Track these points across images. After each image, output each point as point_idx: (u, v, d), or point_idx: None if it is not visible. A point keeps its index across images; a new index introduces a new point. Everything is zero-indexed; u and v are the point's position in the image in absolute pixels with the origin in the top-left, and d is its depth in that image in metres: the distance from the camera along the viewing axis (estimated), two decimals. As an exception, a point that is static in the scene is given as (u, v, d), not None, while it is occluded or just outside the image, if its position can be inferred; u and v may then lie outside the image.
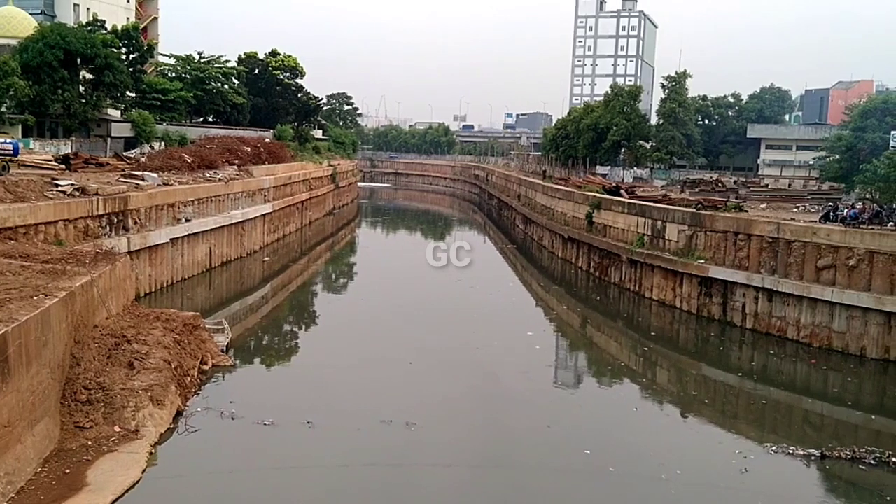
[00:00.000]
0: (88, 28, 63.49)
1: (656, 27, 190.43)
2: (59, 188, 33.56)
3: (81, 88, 56.56)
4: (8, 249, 25.71)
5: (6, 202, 29.21)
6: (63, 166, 41.17)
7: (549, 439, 23.37)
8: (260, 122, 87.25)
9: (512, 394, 28.15)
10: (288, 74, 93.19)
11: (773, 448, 22.85)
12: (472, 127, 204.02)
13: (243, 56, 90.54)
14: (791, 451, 22.54)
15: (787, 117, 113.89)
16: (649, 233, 44.24)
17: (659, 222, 43.43)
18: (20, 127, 50.65)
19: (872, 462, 21.75)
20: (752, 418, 27.66)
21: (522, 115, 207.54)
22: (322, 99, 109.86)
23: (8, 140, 36.99)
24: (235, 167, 55.33)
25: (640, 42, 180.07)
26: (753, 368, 32.71)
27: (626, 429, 25.13)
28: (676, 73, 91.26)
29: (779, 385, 30.86)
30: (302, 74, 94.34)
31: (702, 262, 39.05)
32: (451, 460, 21.80)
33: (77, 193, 33.67)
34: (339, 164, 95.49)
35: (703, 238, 39.76)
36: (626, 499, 19.89)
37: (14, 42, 55.60)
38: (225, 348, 29.53)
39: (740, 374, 31.68)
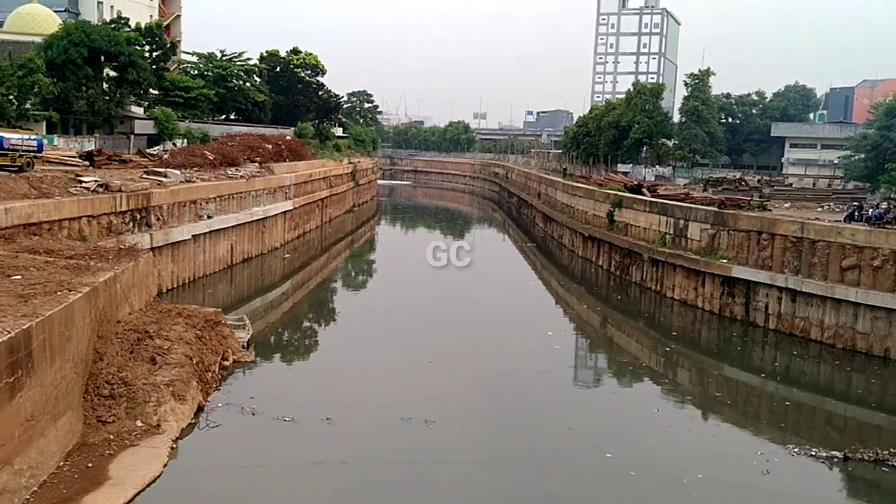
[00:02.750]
0: (112, 26, 64.03)
1: (679, 24, 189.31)
2: (83, 185, 33.83)
3: (105, 86, 57.03)
4: (32, 245, 25.96)
5: (31, 198, 29.49)
6: (87, 163, 41.55)
7: (569, 441, 23.21)
8: (281, 119, 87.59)
9: (532, 393, 28.06)
10: (309, 72, 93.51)
11: (796, 449, 22.64)
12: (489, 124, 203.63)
13: (265, 54, 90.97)
14: (814, 453, 22.32)
15: (811, 116, 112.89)
16: (671, 232, 43.95)
17: (681, 221, 43.14)
18: (45, 124, 51.11)
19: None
20: (774, 419, 27.40)
21: (543, 112, 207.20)
22: (343, 97, 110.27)
23: (32, 137, 37.32)
24: (257, 164, 55.57)
25: (663, 39, 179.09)
26: (776, 369, 32.42)
27: (648, 430, 24.94)
28: (699, 70, 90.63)
29: (802, 386, 30.58)
30: (323, 72, 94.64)
31: (724, 261, 38.74)
32: (470, 459, 21.75)
33: (101, 190, 33.92)
34: (358, 162, 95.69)
35: (725, 237, 39.44)
36: (647, 503, 19.74)
37: (39, 39, 56.11)
38: (246, 344, 29.66)
39: (763, 375, 31.41)
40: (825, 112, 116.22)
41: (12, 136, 35.03)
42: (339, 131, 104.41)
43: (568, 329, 41.07)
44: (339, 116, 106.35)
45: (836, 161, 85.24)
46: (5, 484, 15.25)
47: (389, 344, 33.56)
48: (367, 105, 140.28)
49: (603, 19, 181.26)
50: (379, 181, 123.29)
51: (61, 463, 17.53)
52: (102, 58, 55.26)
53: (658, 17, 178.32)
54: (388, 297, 44.82)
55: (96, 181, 34.57)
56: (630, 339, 39.55)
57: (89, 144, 51.48)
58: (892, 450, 22.18)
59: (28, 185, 30.86)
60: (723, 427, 26.31)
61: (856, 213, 38.44)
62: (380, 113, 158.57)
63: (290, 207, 58.61)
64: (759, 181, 66.59)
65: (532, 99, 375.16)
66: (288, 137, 73.95)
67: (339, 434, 22.32)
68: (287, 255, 54.64)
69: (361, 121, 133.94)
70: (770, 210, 41.95)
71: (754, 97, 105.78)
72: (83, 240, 30.26)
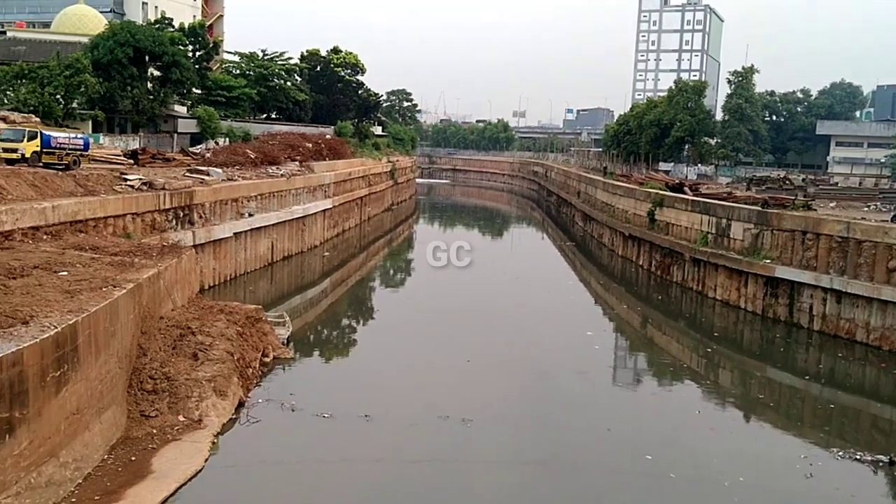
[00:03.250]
0: (157, 26, 65.06)
1: (722, 21, 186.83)
2: (128, 183, 34.37)
3: (150, 85, 57.99)
4: (78, 242, 26.43)
5: (77, 196, 30.03)
6: (131, 161, 42.26)
7: (608, 442, 22.99)
8: (321, 118, 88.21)
9: (571, 394, 27.89)
10: (349, 71, 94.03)
11: (840, 453, 22.21)
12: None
13: (305, 53, 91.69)
14: (859, 457, 21.87)
15: (858, 114, 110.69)
16: (713, 231, 43.39)
17: (724, 220, 42.56)
18: (90, 122, 52.10)
19: (946, 470, 20.98)
20: (818, 422, 26.91)
21: (583, 110, 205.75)
22: (382, 95, 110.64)
23: (79, 135, 38.06)
24: (297, 163, 56.01)
25: (706, 36, 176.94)
26: (820, 371, 31.84)
27: (689, 432, 24.64)
28: (743, 67, 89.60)
29: (846, 389, 29.97)
30: (363, 71, 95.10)
31: (768, 261, 38.14)
32: (507, 458, 21.69)
33: (145, 188, 34.45)
34: (397, 161, 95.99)
35: (769, 237, 38.82)
36: None
37: (85, 40, 57.20)
38: (286, 341, 29.91)
39: (806, 377, 30.87)
40: (872, 110, 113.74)
41: (59, 135, 35.77)
42: (378, 130, 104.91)
43: (607, 329, 40.75)
44: (379, 115, 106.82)
45: (882, 160, 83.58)
46: (51, 476, 15.56)
47: (427, 342, 33.62)
48: (405, 103, 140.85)
49: (644, 16, 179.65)
50: (417, 179, 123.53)
51: (105, 456, 17.81)
52: (147, 57, 56.18)
53: (701, 13, 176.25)
54: (426, 296, 44.86)
55: (140, 179, 35.11)
56: (671, 339, 39.13)
57: (134, 143, 52.38)
58: (940, 455, 21.65)
59: (74, 182, 31.44)
60: (765, 430, 25.90)
61: (904, 213, 37.69)
62: (419, 111, 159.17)
63: (330, 206, 58.98)
64: (803, 180, 65.56)
65: (572, 97, 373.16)
66: (328, 136, 74.47)
67: (376, 431, 22.40)
68: (326, 254, 55.01)
69: (400, 119, 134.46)
70: (815, 209, 41.22)
71: (799, 95, 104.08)
72: (128, 237, 30.75)
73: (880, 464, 21.46)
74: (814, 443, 23.82)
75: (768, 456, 23.00)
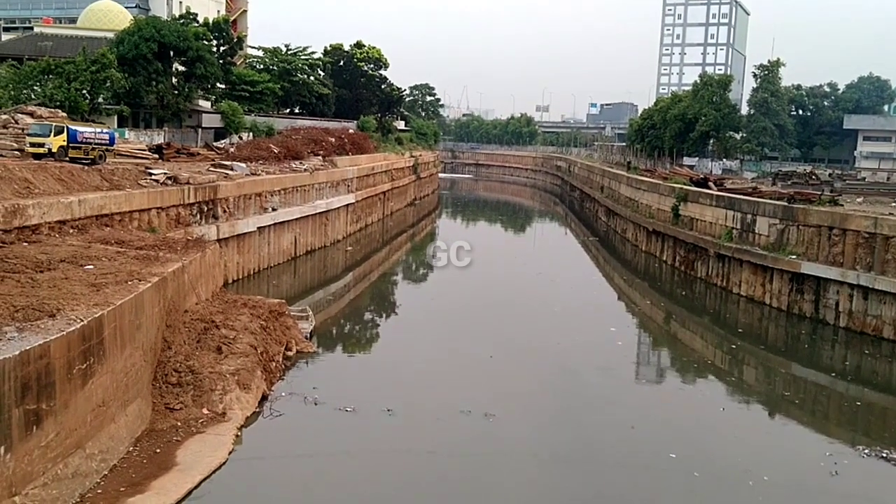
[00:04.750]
0: (181, 21, 65.33)
1: (748, 14, 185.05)
2: (153, 177, 34.62)
3: (174, 80, 58.32)
4: (104, 236, 26.68)
5: (103, 190, 30.31)
6: (156, 156, 42.53)
7: (632, 439, 22.85)
8: (344, 113, 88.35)
9: (593, 390, 27.77)
10: (372, 66, 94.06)
11: (866, 451, 21.95)
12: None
13: (329, 48, 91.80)
14: (885, 455, 21.60)
15: (886, 108, 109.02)
16: (738, 226, 43.00)
17: (749, 216, 42.16)
18: (116, 117, 52.47)
19: (974, 469, 20.68)
20: (843, 420, 26.65)
21: (607, 105, 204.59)
22: (405, 90, 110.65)
23: (105, 130, 38.36)
24: (320, 158, 56.16)
25: (731, 30, 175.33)
26: (846, 368, 31.48)
27: (713, 430, 24.47)
28: (769, 61, 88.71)
29: (873, 386, 29.63)
30: (386, 66, 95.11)
31: (793, 257, 37.75)
32: (530, 453, 21.64)
33: (169, 182, 34.68)
34: (420, 155, 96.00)
35: (795, 232, 38.42)
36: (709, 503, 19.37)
37: (111, 35, 57.62)
38: (309, 335, 30.04)
39: (833, 375, 30.54)
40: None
41: (85, 130, 36.07)
42: (401, 124, 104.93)
43: (631, 325, 40.53)
44: (402, 110, 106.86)
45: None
46: (77, 467, 15.74)
47: (449, 337, 33.60)
48: (428, 98, 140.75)
49: (669, 9, 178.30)
50: (440, 174, 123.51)
51: (131, 448, 18.00)
52: (172, 53, 56.47)
53: (726, 6, 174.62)
54: (448, 291, 44.86)
55: (165, 174, 35.36)
56: (695, 335, 38.87)
57: (158, 138, 52.71)
58: (969, 454, 21.34)
59: (100, 177, 31.73)
60: (790, 427, 25.68)
61: (933, 209, 37.15)
62: (441, 106, 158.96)
63: (353, 200, 59.11)
64: (830, 175, 64.78)
65: (596, 92, 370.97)
66: (351, 131, 74.56)
67: (399, 425, 22.46)
68: (349, 248, 55.15)
69: (423, 114, 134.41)
70: (841, 205, 40.71)
71: (826, 89, 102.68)
72: (152, 231, 31.00)
73: (907, 462, 21.18)
74: (839, 440, 23.61)
75: (793, 454, 22.81)
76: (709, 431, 24.33)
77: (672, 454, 21.33)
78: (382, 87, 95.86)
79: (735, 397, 28.36)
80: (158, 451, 18.23)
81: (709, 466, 20.94)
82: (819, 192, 44.74)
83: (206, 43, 62.86)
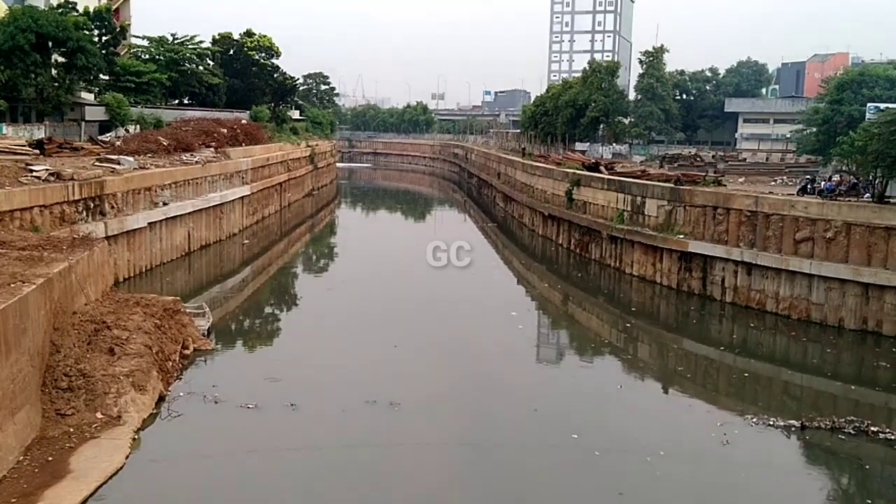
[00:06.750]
0: (60, 10, 62.48)
1: (633, 1, 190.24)
2: (34, 174, 33.12)
3: (54, 72, 55.81)
4: (-17, 237, 25.36)
5: (-21, 189, 28.79)
6: (37, 151, 40.54)
7: (536, 422, 23.22)
8: (236, 103, 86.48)
9: (497, 374, 28.17)
10: (263, 55, 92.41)
11: (755, 420, 23.06)
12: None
13: (217, 37, 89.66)
14: (772, 423, 22.76)
15: (764, 91, 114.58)
16: (629, 209, 44.35)
17: (638, 198, 43.54)
18: (-8, 112, 49.94)
19: (851, 431, 22.01)
20: (733, 391, 27.95)
21: (501, 92, 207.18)
22: (298, 79, 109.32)
23: (-21, 125, 36.45)
24: (212, 149, 54.77)
25: (618, 17, 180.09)
26: (734, 341, 33.00)
27: (612, 408, 25.19)
28: (654, 48, 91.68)
29: (759, 357, 31.14)
30: (277, 54, 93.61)
31: (681, 236, 39.22)
32: (437, 440, 21.82)
33: (52, 179, 33.23)
34: (317, 145, 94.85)
35: (682, 213, 39.90)
36: (610, 481, 19.94)
37: (-16, 26, 54.57)
38: (206, 332, 29.35)
39: (721, 348, 31.96)
40: (777, 87, 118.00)
41: (-42, 126, 34.18)
42: (295, 114, 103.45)
43: (531, 308, 41.33)
44: (296, 99, 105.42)
45: (788, 135, 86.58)
46: (-37, 481, 14.98)
47: (351, 328, 33.42)
48: (323, 87, 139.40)
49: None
50: (338, 164, 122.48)
51: (21, 458, 17.23)
52: (50, 43, 53.99)
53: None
54: (349, 283, 44.53)
55: (47, 170, 33.87)
56: (591, 315, 39.94)
57: (39, 132, 50.36)
58: (847, 417, 22.71)
59: (-24, 175, 30.13)
60: (684, 400, 26.75)
61: (808, 187, 39.22)
62: (337, 95, 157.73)
63: (248, 192, 58.00)
64: (713, 157, 67.66)
65: (490, 79, 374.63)
66: (244, 121, 72.96)
67: (304, 419, 22.26)
68: (246, 241, 54.11)
69: (318, 103, 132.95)
70: (725, 185, 42.53)
71: (708, 73, 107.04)
72: (36, 230, 29.64)
73: (792, 428, 22.40)
74: (729, 411, 24.70)
75: (687, 426, 23.78)
76: (608, 409, 25.07)
77: (574, 434, 21.80)
78: (275, 76, 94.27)
79: (631, 374, 29.33)
80: (51, 458, 17.52)
81: (608, 444, 21.53)
82: (704, 174, 46.60)
83: (87, 33, 60.34)
